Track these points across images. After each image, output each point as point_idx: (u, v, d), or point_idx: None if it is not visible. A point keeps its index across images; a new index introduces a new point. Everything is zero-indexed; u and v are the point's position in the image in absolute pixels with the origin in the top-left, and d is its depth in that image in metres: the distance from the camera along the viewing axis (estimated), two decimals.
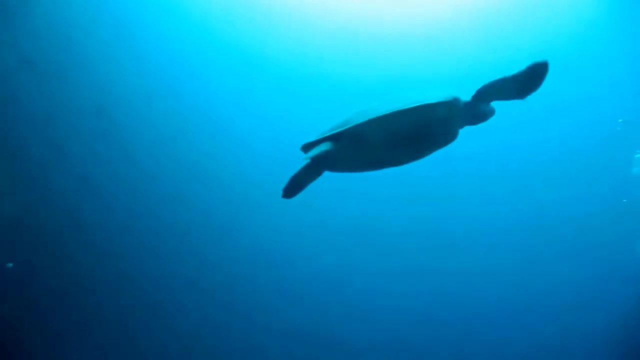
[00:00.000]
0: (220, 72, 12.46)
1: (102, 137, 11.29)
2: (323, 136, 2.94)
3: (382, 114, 2.81)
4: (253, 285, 12.14)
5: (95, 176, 11.26)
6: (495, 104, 3.15)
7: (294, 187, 3.06)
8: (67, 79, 10.60)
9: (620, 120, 10.81)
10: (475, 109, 3.05)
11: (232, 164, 12.99)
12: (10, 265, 9.44)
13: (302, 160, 2.89)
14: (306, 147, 3.03)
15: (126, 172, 11.63)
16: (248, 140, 13.17)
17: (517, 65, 2.82)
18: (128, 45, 11.22)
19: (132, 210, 11.63)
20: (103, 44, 10.89)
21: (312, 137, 3.01)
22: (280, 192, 3.08)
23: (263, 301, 11.95)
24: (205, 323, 11.34)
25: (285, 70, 12.49)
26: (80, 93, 10.75)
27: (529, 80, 2.70)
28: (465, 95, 3.02)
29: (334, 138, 2.91)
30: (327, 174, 3.18)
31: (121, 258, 11.17)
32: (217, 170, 12.71)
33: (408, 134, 2.90)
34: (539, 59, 2.66)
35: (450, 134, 3.03)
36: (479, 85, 2.95)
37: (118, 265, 10.99)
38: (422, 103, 2.83)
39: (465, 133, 3.21)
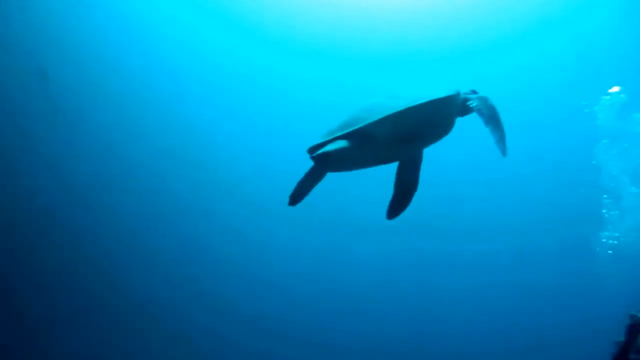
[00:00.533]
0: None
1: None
2: (334, 136, 2.81)
3: (396, 111, 2.77)
4: (241, 283, 11.99)
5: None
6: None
7: (299, 193, 3.05)
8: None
9: (584, 104, 10.80)
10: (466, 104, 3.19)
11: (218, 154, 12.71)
12: None
13: (318, 157, 2.77)
14: (314, 149, 2.87)
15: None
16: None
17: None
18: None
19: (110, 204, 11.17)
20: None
21: (317, 139, 2.87)
22: (287, 200, 3.07)
23: (250, 300, 11.84)
24: (191, 322, 11.16)
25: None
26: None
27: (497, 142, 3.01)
28: (462, 88, 3.17)
29: (347, 137, 2.80)
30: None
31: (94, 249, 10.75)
32: (199, 159, 12.43)
33: (417, 129, 2.92)
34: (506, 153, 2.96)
35: (450, 126, 3.11)
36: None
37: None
38: (435, 98, 2.86)
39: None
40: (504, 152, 2.93)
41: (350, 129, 2.75)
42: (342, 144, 2.75)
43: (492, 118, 3.02)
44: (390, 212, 3.07)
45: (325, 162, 2.80)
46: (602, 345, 3.78)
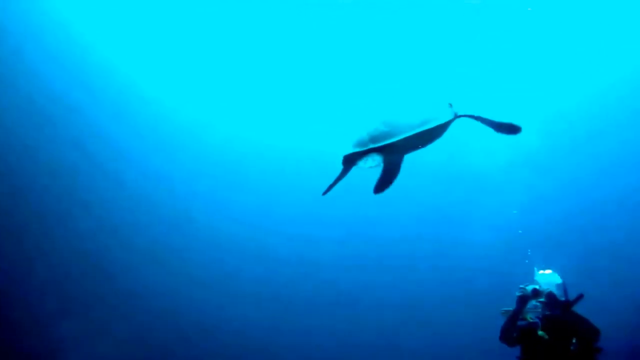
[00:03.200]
0: None
1: None
2: (366, 148, 3.46)
3: (422, 129, 3.49)
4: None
5: None
6: None
7: (332, 186, 3.91)
8: None
9: None
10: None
11: None
12: None
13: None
14: (348, 158, 3.57)
15: None
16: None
17: None
18: None
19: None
20: None
21: (349, 146, 3.53)
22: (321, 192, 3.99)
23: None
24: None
25: None
26: None
27: (502, 130, 3.82)
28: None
29: (378, 150, 3.47)
30: None
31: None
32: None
33: (425, 140, 3.70)
34: (516, 123, 3.76)
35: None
36: None
37: None
38: (451, 118, 3.68)
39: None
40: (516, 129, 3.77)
41: (380, 144, 3.41)
42: (379, 159, 3.47)
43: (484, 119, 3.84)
44: (377, 189, 4.02)
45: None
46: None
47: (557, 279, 4.27)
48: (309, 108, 12.88)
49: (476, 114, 3.91)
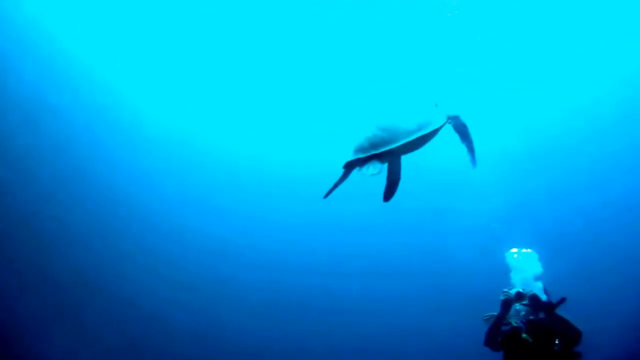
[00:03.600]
0: None
1: None
2: (367, 154, 3.53)
3: (422, 133, 3.58)
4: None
5: None
6: None
7: (332, 190, 3.98)
8: None
9: None
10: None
11: None
12: None
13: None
14: (349, 165, 3.65)
15: None
16: None
17: None
18: None
19: None
20: None
21: (349, 152, 3.59)
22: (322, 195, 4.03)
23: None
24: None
25: None
26: None
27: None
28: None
29: (378, 156, 3.55)
30: None
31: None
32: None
33: (423, 143, 3.77)
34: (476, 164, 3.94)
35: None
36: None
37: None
38: (442, 124, 3.78)
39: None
40: (474, 163, 3.90)
41: (381, 150, 3.49)
42: (380, 165, 3.53)
43: (466, 136, 3.94)
44: (385, 197, 4.04)
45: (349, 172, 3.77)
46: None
47: (537, 264, 4.30)
48: (300, 113, 12.89)
49: (462, 128, 3.99)
